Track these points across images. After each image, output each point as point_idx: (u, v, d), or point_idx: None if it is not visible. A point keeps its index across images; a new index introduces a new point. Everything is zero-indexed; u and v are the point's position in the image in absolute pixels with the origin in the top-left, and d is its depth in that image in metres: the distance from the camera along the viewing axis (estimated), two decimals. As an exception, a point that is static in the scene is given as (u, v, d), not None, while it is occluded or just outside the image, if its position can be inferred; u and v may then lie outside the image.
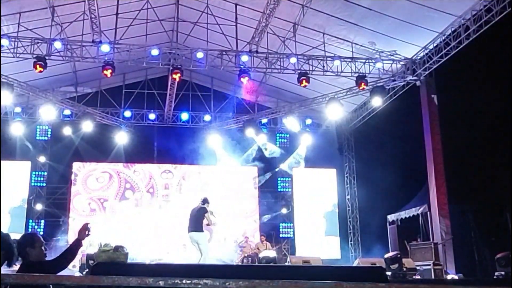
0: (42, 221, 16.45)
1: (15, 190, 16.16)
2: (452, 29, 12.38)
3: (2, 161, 15.60)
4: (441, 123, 13.67)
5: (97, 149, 16.70)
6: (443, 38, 12.78)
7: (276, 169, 18.01)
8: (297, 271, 5.16)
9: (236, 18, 13.20)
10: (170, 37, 15.61)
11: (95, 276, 2.06)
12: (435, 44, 13.18)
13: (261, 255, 13.06)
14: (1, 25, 12.46)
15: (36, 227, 16.29)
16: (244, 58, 13.21)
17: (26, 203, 16.24)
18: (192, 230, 10.32)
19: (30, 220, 16.28)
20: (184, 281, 2.10)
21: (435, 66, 13.47)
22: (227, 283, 2.15)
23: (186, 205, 13.13)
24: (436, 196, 13.29)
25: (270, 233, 16.05)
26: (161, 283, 2.06)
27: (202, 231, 10.41)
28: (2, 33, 12.48)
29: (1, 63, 13.04)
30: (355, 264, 12.57)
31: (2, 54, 12.43)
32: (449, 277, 11.10)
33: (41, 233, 16.19)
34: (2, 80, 13.70)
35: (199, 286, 2.12)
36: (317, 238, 17.17)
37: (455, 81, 13.54)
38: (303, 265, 9.85)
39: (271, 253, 13.28)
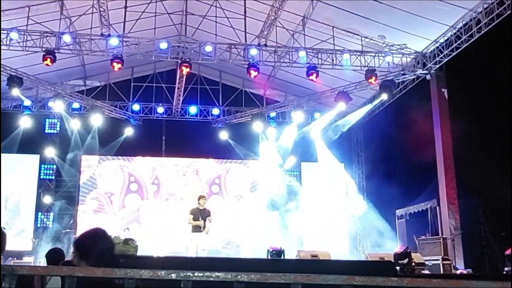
0: (51, 214, 16.55)
1: (24, 183, 16.29)
2: (463, 22, 12.24)
3: (11, 154, 15.74)
4: (451, 117, 13.54)
5: (106, 142, 16.75)
6: (454, 31, 12.63)
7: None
8: (306, 265, 5.15)
9: (245, 11, 13.13)
10: (179, 31, 15.60)
11: (107, 269, 2.05)
12: (445, 38, 13.03)
13: (269, 248, 13.08)
14: (11, 18, 12.52)
15: (45, 219, 16.41)
16: (253, 51, 13.16)
17: (35, 196, 16.36)
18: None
19: (39, 213, 16.39)
20: (196, 274, 2.09)
21: (445, 60, 13.33)
22: (239, 276, 2.14)
23: (193, 200, 13.21)
24: (446, 191, 13.20)
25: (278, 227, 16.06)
26: (173, 275, 2.05)
27: None
28: (11, 26, 12.53)
29: (11, 56, 13.15)
30: (363, 259, 12.54)
31: (11, 48, 12.51)
32: (458, 272, 11.04)
33: (50, 226, 16.33)
34: (12, 73, 13.79)
35: (211, 279, 2.10)
36: (325, 233, 17.13)
37: (466, 75, 13.38)
38: (312, 259, 9.85)
39: (279, 246, 13.29)
